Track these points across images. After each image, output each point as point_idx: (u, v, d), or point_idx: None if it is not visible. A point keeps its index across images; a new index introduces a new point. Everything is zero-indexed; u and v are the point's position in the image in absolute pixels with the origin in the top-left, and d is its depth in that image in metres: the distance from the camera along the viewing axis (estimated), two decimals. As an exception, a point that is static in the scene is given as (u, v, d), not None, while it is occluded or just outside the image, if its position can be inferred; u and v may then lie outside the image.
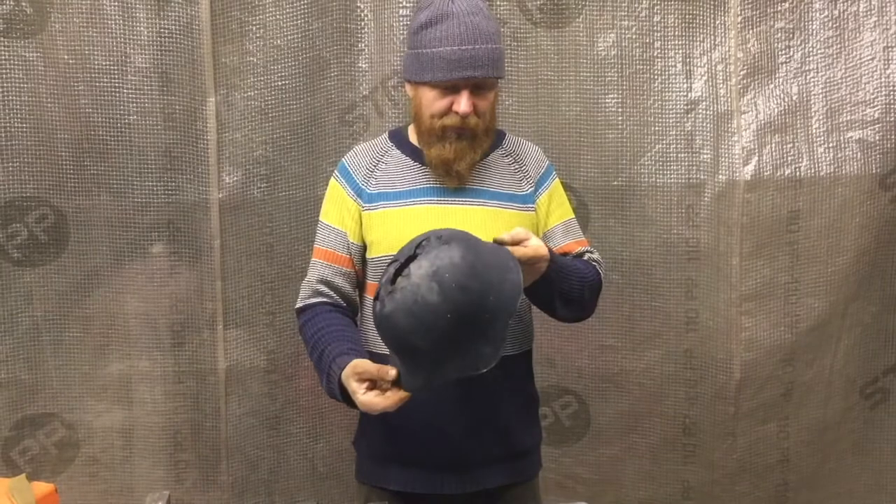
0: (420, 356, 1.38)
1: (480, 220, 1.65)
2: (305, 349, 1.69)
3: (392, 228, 1.65)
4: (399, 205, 1.66)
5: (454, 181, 1.65)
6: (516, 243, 1.50)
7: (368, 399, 1.44)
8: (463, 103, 1.58)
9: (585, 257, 1.77)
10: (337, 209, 1.71)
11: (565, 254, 1.74)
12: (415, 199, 1.66)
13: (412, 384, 1.42)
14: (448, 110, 1.60)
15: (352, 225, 1.70)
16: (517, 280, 1.41)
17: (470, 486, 1.68)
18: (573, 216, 1.80)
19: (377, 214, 1.67)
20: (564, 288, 1.62)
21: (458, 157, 1.62)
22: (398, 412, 1.64)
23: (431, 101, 1.61)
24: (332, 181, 1.74)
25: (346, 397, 1.52)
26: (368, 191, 1.69)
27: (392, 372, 1.42)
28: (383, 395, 1.43)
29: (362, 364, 1.46)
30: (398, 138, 1.74)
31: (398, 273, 1.38)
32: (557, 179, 1.79)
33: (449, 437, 1.64)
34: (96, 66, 2.09)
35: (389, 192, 1.68)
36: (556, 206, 1.76)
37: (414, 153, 1.70)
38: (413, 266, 1.36)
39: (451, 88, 1.59)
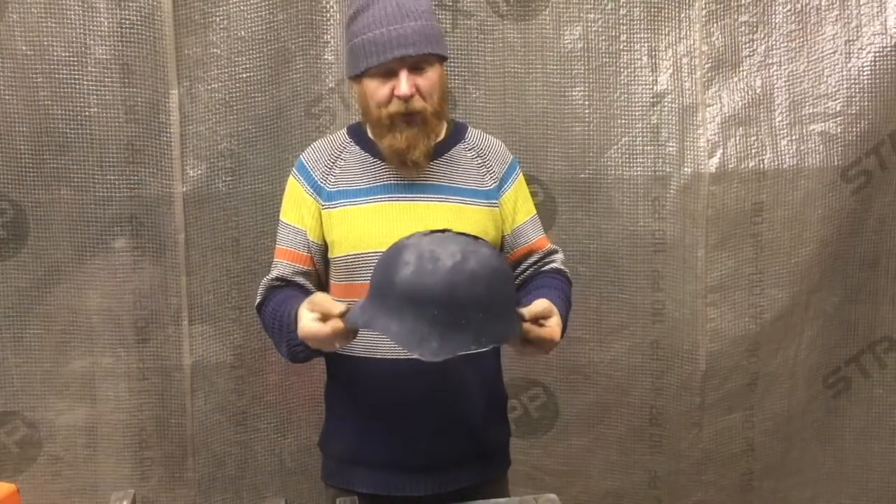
0: (387, 301, 1.35)
1: (443, 216, 1.63)
2: (270, 336, 1.65)
3: (353, 227, 1.62)
4: (359, 203, 1.63)
5: (411, 171, 1.62)
6: (535, 319, 1.47)
7: (308, 323, 1.43)
8: (402, 84, 1.55)
9: (557, 262, 1.76)
10: (296, 207, 1.68)
11: (532, 251, 1.74)
12: (375, 197, 1.63)
13: (356, 318, 1.40)
14: (391, 97, 1.57)
15: (311, 223, 1.66)
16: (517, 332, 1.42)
17: (440, 486, 1.66)
18: (535, 212, 1.79)
19: (337, 213, 1.64)
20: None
21: (410, 146, 1.58)
22: (366, 412, 1.65)
23: (373, 90, 1.58)
24: (291, 179, 1.70)
25: (307, 351, 1.52)
26: (327, 188, 1.65)
27: (339, 308, 1.41)
28: (324, 323, 1.43)
29: (318, 296, 1.47)
30: (357, 134, 1.70)
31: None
32: (521, 175, 1.77)
33: (418, 437, 1.63)
34: (55, 58, 2.05)
35: (349, 189, 1.64)
36: (522, 203, 1.75)
37: (373, 149, 1.66)
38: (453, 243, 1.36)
39: (389, 74, 1.56)
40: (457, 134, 1.72)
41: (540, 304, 1.48)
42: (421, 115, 1.58)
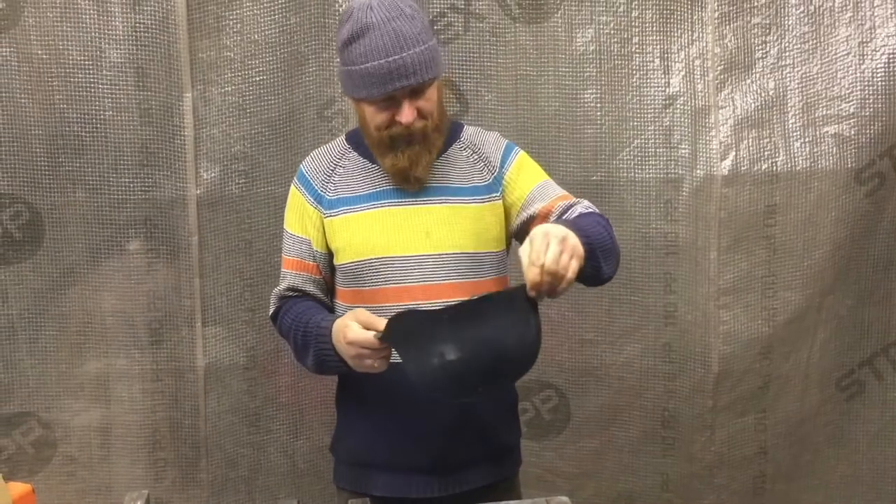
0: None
1: (444, 217, 1.62)
2: (289, 344, 1.67)
3: (355, 234, 1.62)
4: (360, 209, 1.63)
5: (414, 186, 1.62)
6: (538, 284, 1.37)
7: (358, 332, 1.45)
8: (404, 114, 1.54)
9: (577, 212, 1.62)
10: (298, 217, 1.68)
11: (549, 213, 1.65)
12: (375, 203, 1.63)
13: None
14: (391, 121, 1.56)
15: (314, 233, 1.67)
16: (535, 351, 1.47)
17: (453, 488, 1.66)
18: (547, 178, 1.72)
19: (339, 221, 1.64)
20: (596, 243, 1.50)
21: (413, 164, 1.58)
22: (377, 415, 1.65)
23: (373, 115, 1.57)
24: (292, 188, 1.71)
25: (333, 363, 1.53)
26: (328, 197, 1.65)
27: (382, 322, 1.45)
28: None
29: (362, 311, 1.49)
30: (356, 140, 1.70)
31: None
32: (522, 153, 1.73)
33: (430, 439, 1.63)
34: (71, 62, 2.07)
35: (349, 196, 1.64)
36: (525, 176, 1.69)
37: (372, 155, 1.65)
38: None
39: (389, 100, 1.55)
40: (452, 134, 1.71)
41: (529, 266, 1.36)
42: (422, 133, 1.58)
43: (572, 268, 1.37)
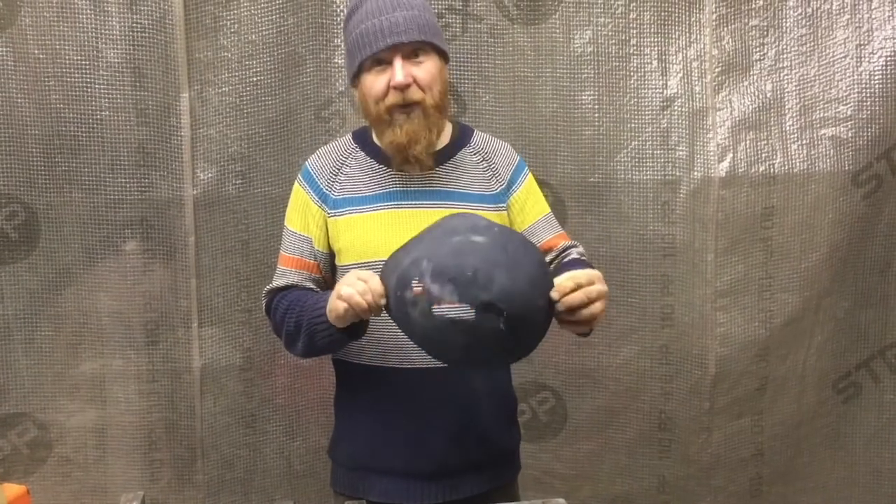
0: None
1: None
2: (280, 332, 1.63)
3: (359, 235, 1.61)
4: (365, 210, 1.62)
5: (415, 168, 1.60)
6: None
7: (364, 271, 1.44)
8: (397, 72, 1.52)
9: (575, 254, 1.72)
10: (301, 215, 1.67)
11: (548, 250, 1.71)
12: (381, 204, 1.61)
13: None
14: (387, 89, 1.54)
15: (316, 231, 1.65)
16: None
17: (452, 494, 1.65)
18: (550, 210, 1.77)
19: (343, 221, 1.63)
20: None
21: (412, 140, 1.55)
22: (375, 420, 1.64)
23: (370, 86, 1.56)
24: (296, 186, 1.69)
25: (322, 330, 1.51)
26: (333, 196, 1.64)
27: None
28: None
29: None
30: (362, 139, 1.69)
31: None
32: (530, 174, 1.75)
33: (429, 445, 1.62)
34: (67, 62, 2.06)
35: (355, 196, 1.63)
36: (532, 203, 1.73)
37: (379, 155, 1.64)
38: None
39: (384, 66, 1.55)
40: (462, 138, 1.70)
41: (567, 279, 1.41)
42: (420, 106, 1.55)
43: (597, 308, 1.42)
